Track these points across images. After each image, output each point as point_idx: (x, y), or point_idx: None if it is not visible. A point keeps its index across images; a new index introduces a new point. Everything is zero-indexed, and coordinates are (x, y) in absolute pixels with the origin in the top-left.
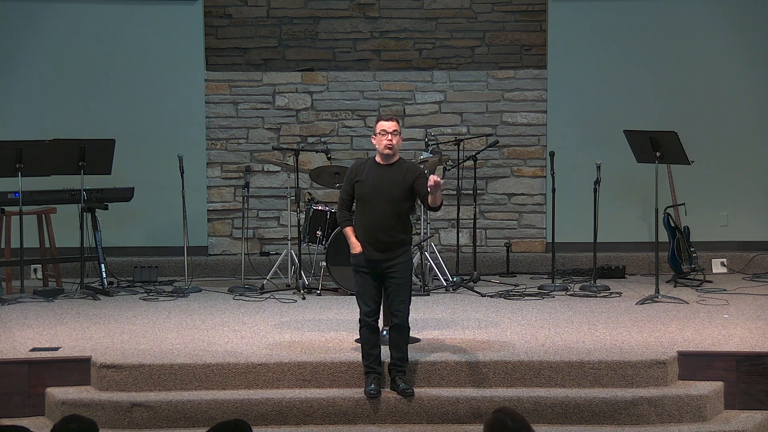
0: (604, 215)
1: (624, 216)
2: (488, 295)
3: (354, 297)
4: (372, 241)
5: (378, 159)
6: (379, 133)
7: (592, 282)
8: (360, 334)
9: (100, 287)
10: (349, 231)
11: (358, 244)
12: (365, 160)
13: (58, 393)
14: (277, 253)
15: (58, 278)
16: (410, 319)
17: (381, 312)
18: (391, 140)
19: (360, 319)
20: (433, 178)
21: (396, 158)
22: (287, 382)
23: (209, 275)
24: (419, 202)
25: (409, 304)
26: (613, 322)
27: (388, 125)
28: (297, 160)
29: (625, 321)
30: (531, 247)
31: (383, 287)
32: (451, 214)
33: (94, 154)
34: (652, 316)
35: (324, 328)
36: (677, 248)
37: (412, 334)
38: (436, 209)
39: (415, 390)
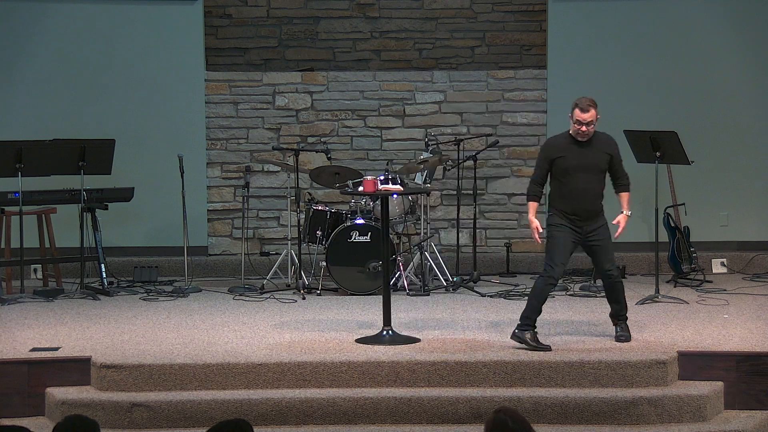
0: None
1: None
2: (488, 295)
3: (353, 297)
4: (578, 212)
5: (573, 134)
6: (575, 122)
7: (592, 282)
8: (543, 290)
9: (100, 287)
10: (533, 206)
11: (537, 222)
12: (560, 137)
13: (58, 393)
14: (277, 253)
15: (58, 278)
16: (410, 318)
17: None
18: (586, 130)
19: (551, 275)
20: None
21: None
22: (287, 382)
23: (209, 275)
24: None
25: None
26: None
27: (585, 116)
28: (297, 160)
29: None
30: (531, 247)
31: (586, 251)
32: (451, 214)
33: (94, 154)
34: (652, 316)
35: (324, 328)
36: (677, 248)
37: (412, 334)
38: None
39: (415, 390)
